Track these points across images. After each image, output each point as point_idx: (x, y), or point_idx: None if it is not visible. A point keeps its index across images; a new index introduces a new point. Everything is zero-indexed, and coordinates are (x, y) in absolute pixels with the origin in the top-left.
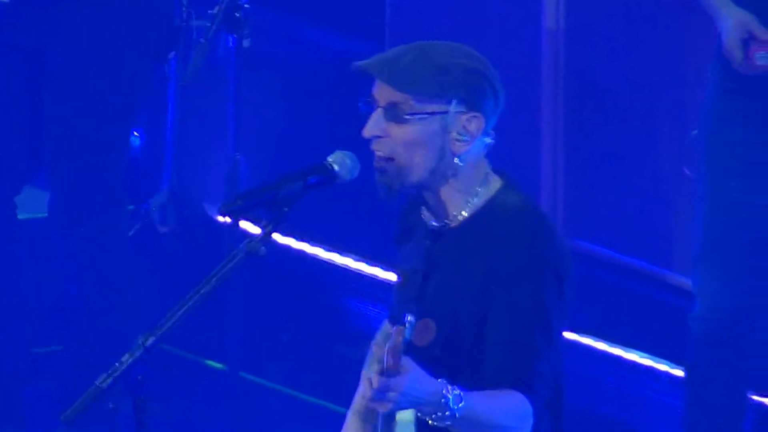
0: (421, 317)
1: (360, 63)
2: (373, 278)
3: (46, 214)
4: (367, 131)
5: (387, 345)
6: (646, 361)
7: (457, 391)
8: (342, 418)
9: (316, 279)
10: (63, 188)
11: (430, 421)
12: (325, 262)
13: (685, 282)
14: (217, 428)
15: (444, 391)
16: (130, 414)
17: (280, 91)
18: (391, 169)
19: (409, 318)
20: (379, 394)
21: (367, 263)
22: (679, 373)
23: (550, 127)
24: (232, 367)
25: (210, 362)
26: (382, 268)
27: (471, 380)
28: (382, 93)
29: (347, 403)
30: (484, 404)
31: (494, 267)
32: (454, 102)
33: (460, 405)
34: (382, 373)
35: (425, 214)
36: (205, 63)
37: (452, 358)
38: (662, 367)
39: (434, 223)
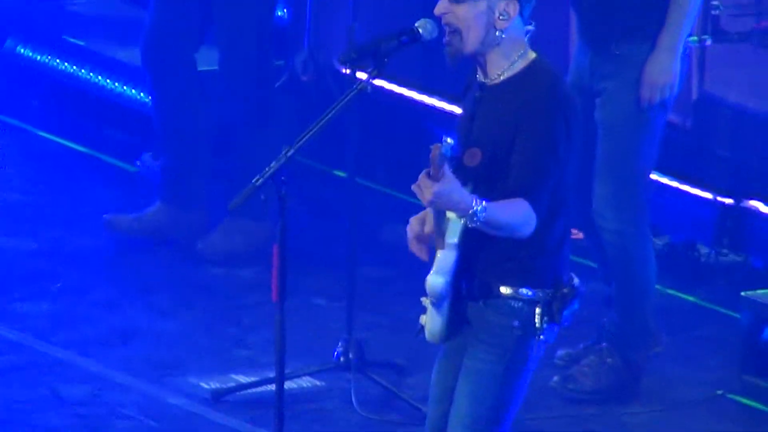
0: (469, 147)
1: None
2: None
3: (216, 67)
4: (437, 9)
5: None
6: None
7: (483, 204)
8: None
9: (408, 114)
10: (228, 46)
11: (462, 220)
12: (415, 101)
13: None
14: (335, 224)
15: (473, 203)
16: (275, 204)
17: None
18: (454, 40)
19: (448, 139)
20: (422, 190)
21: (447, 102)
22: None
23: None
24: (350, 174)
25: (334, 171)
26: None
27: (501, 192)
28: None
29: None
30: (501, 211)
31: (521, 113)
32: None
33: (484, 214)
34: (428, 175)
35: (478, 74)
36: None
37: (489, 176)
38: None
39: (483, 80)
